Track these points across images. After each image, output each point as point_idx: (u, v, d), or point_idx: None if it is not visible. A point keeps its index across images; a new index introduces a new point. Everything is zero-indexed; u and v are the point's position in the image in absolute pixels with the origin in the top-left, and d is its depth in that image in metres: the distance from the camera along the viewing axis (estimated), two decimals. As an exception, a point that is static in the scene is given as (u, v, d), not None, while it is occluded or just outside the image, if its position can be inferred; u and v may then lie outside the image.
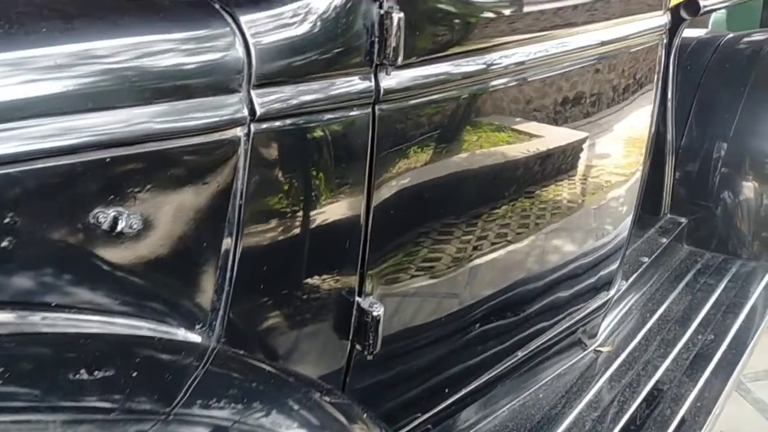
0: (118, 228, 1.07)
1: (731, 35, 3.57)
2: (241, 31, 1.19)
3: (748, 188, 3.33)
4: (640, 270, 2.84)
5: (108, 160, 1.05)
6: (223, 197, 1.19)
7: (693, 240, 3.29)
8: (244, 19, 1.20)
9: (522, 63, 1.66)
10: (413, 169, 1.47)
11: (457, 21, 1.48)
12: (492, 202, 1.73)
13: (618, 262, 2.40)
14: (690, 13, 2.52)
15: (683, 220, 3.26)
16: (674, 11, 2.45)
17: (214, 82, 1.16)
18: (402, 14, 1.32)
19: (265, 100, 1.21)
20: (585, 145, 1.99)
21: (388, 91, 1.37)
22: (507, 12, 1.59)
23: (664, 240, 3.09)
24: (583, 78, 1.87)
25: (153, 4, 1.18)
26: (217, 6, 1.20)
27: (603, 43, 1.90)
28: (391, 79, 1.37)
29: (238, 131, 1.18)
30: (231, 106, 1.17)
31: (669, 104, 3.11)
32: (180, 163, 1.14)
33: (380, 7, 1.33)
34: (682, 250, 3.24)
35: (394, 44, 1.32)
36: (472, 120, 1.59)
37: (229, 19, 1.19)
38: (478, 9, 1.52)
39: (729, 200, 3.34)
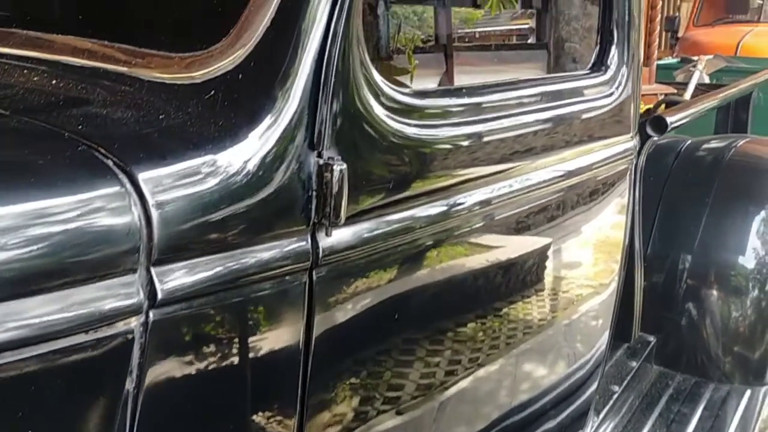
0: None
1: (690, 141, 3.46)
2: (140, 192, 0.94)
3: (715, 301, 3.17)
4: (611, 401, 2.60)
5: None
6: (110, 412, 0.91)
7: (662, 359, 3.08)
8: (143, 176, 0.94)
9: (485, 202, 1.44)
10: (358, 344, 1.22)
11: (409, 164, 1.25)
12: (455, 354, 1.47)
13: (592, 395, 2.17)
14: (657, 130, 2.37)
15: (652, 338, 3.05)
16: (640, 128, 2.30)
17: (99, 260, 0.89)
18: (345, 165, 1.09)
19: (168, 279, 0.94)
20: (556, 289, 1.77)
21: (328, 253, 1.12)
22: (467, 150, 1.37)
23: (634, 363, 2.87)
24: (550, 213, 1.65)
25: (26, 163, 0.92)
26: (109, 162, 0.94)
27: (570, 174, 1.69)
28: (333, 239, 1.12)
29: (132, 322, 0.92)
30: (122, 290, 0.91)
31: (636, 216, 2.94)
32: (52, 371, 0.86)
33: (319, 156, 1.09)
34: (652, 371, 3.02)
35: (335, 200, 1.08)
36: (433, 272, 1.35)
37: (124, 178, 0.93)
38: (435, 149, 1.30)
39: (696, 315, 3.17)
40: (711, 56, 5.60)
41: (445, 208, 1.32)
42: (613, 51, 1.80)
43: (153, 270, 0.93)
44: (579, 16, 2.06)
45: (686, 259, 3.14)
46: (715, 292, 3.14)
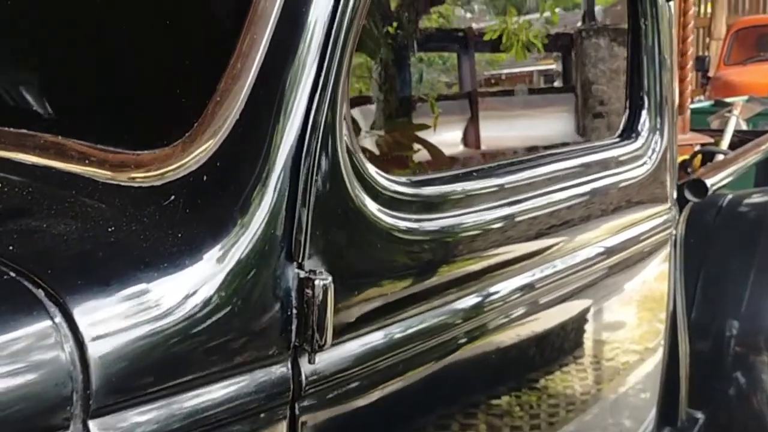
0: None
1: (731, 196, 3.25)
2: (74, 328, 0.77)
3: (767, 370, 2.94)
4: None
5: None
6: None
7: (712, 437, 2.83)
8: (79, 309, 0.78)
9: (502, 299, 1.25)
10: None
11: (410, 265, 1.08)
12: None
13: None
14: (697, 195, 2.17)
15: (699, 415, 2.81)
16: (678, 191, 2.11)
17: (21, 417, 0.73)
18: (329, 278, 0.92)
19: (111, 434, 0.78)
20: (597, 374, 1.57)
21: (313, 381, 0.94)
22: (477, 243, 1.19)
23: (683, 443, 2.63)
24: (577, 306, 1.47)
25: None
26: (39, 293, 0.78)
27: (598, 257, 1.50)
28: (318, 365, 0.95)
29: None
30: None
31: (677, 282, 2.74)
32: None
33: (299, 267, 0.93)
34: (703, 453, 2.77)
35: (318, 320, 0.91)
36: (443, 387, 1.16)
37: (56, 312, 0.78)
38: (440, 245, 1.12)
39: (746, 385, 2.93)
40: (746, 98, 5.39)
41: (454, 311, 1.14)
42: (644, 116, 1.63)
43: (91, 424, 0.77)
44: (606, 58, 1.91)
45: (733, 324, 2.93)
46: (766, 359, 2.92)
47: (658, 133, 1.65)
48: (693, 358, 2.96)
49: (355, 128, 1.67)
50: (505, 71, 2.89)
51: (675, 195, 1.82)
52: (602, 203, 1.49)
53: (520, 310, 1.29)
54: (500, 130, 2.46)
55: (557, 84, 2.82)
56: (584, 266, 1.41)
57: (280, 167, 0.91)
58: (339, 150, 0.97)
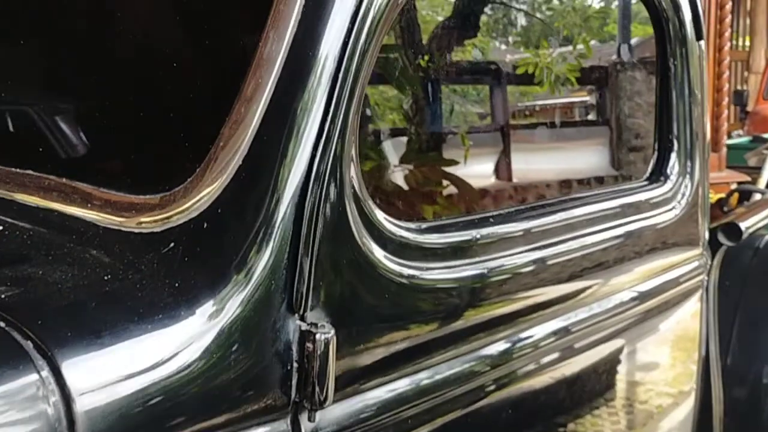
0: None
1: (768, 237, 3.15)
2: (61, 383, 0.75)
3: (809, 420, 2.81)
4: None
5: None
6: None
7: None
8: (67, 362, 0.76)
9: (519, 350, 1.20)
10: None
11: (419, 316, 1.04)
12: None
13: None
14: (731, 239, 2.10)
15: (736, 469, 2.69)
16: (711, 235, 2.04)
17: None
18: (332, 331, 0.88)
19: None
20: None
21: (314, 440, 0.90)
22: (494, 291, 1.15)
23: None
24: (600, 359, 1.41)
25: None
26: (28, 344, 0.75)
27: (622, 306, 1.44)
28: (319, 422, 0.91)
29: None
30: None
31: (711, 327, 2.64)
32: None
33: (302, 319, 0.89)
34: None
35: (319, 376, 0.87)
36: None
37: (43, 365, 0.75)
38: (454, 294, 1.08)
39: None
40: (785, 134, 5.27)
41: (465, 365, 1.09)
42: (673, 159, 1.57)
43: (76, 486, 0.74)
44: (642, 91, 1.87)
45: (772, 371, 2.81)
46: (807, 409, 2.78)
47: (688, 176, 1.59)
48: (728, 405, 2.85)
49: (382, 164, 1.65)
50: (539, 103, 2.86)
51: (707, 239, 1.75)
52: (627, 250, 1.44)
53: (538, 361, 1.24)
54: (532, 164, 2.41)
55: (591, 117, 2.77)
56: (604, 318, 1.35)
57: (282, 215, 0.89)
58: (345, 197, 0.94)
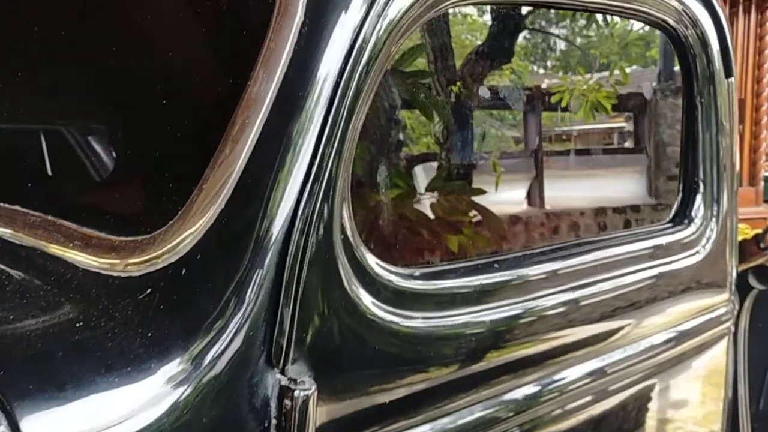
0: None
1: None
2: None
3: None
4: None
5: None
6: None
7: None
8: (27, 417, 0.72)
9: (522, 405, 1.14)
10: None
11: (412, 369, 0.98)
12: None
13: None
14: (762, 281, 2.00)
15: None
16: (741, 278, 1.94)
17: None
18: (313, 387, 0.84)
19: None
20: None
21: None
22: (497, 342, 1.09)
23: None
24: (620, 410, 1.33)
25: None
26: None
27: (641, 356, 1.37)
28: (297, 483, 0.86)
29: None
30: None
31: (740, 372, 2.53)
32: None
33: (282, 373, 0.84)
34: None
35: (297, 435, 0.83)
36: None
37: (1, 421, 0.72)
38: (452, 346, 1.02)
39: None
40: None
41: (465, 419, 1.04)
42: (698, 202, 1.50)
43: None
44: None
45: (807, 420, 2.68)
46: None
47: (713, 219, 1.52)
48: (757, 451, 2.72)
49: (409, 192, 1.60)
50: (576, 128, 2.79)
51: (735, 283, 1.67)
52: (645, 298, 1.37)
53: (540, 417, 1.17)
54: (565, 192, 2.33)
55: (629, 144, 2.69)
56: (614, 371, 1.28)
57: (264, 263, 0.84)
58: (334, 242, 0.89)
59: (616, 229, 2.08)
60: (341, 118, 0.88)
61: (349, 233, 0.92)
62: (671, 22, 1.40)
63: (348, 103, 0.88)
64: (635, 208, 2.11)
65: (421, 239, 1.56)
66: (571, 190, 2.34)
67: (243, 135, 0.86)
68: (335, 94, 0.88)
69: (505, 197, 2.01)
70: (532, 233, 2.04)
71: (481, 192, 1.84)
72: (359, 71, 0.89)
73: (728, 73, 1.53)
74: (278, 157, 0.86)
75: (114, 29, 1.06)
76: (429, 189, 1.77)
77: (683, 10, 1.40)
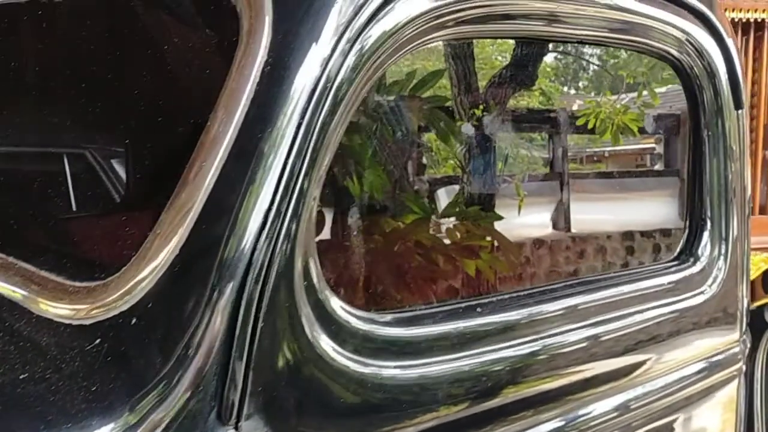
0: None
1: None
2: None
3: None
4: None
5: None
6: None
7: None
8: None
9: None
10: None
11: (382, 421, 0.94)
12: None
13: None
14: (779, 316, 1.93)
15: None
16: (756, 315, 1.87)
17: None
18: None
19: None
20: None
21: None
22: (479, 391, 1.04)
23: None
24: None
25: None
26: None
27: (647, 398, 1.31)
28: None
29: None
30: None
31: (756, 413, 2.43)
32: None
33: (236, 429, 0.80)
34: None
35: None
36: None
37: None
38: (428, 396, 0.97)
39: None
40: None
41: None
42: (705, 239, 1.43)
43: None
44: None
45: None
46: None
47: (722, 258, 1.45)
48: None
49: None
50: (606, 149, 2.71)
51: (746, 322, 1.59)
52: (646, 340, 1.30)
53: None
54: (593, 215, 2.27)
55: (659, 167, 2.61)
56: (614, 417, 1.22)
57: (217, 313, 0.80)
58: (294, 289, 0.85)
59: (644, 253, 2.02)
60: (306, 158, 0.84)
61: (314, 278, 0.88)
62: (674, 52, 1.34)
63: (314, 143, 0.84)
64: (665, 233, 2.04)
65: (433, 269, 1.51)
66: (599, 213, 2.28)
67: (198, 179, 0.83)
68: (297, 135, 0.84)
69: (529, 221, 1.96)
70: (556, 257, 1.99)
71: (499, 218, 1.79)
72: (324, 111, 0.85)
73: (738, 105, 1.46)
74: (236, 203, 0.82)
75: (72, 67, 1.04)
76: (443, 215, 1.73)
77: (687, 39, 1.34)
